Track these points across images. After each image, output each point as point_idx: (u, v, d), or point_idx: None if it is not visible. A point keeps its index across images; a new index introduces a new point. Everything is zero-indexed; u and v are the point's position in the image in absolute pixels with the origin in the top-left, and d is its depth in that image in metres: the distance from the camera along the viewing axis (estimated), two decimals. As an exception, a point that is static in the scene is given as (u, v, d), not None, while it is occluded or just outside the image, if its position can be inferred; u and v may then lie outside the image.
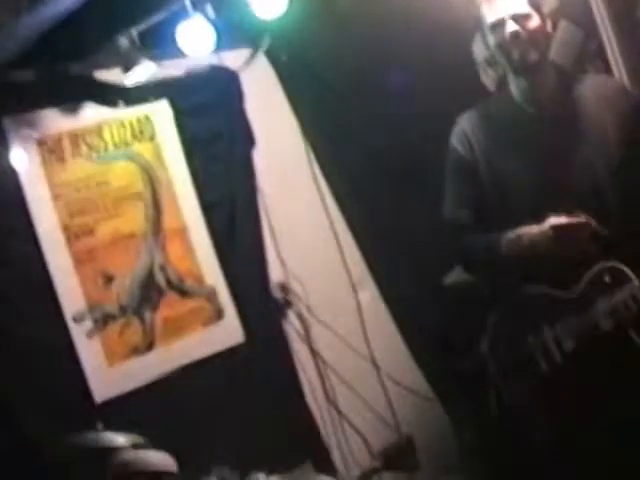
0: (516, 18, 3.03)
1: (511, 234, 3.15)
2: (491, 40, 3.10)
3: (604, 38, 4.51)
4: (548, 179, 3.09)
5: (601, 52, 4.52)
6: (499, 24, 3.05)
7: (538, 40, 3.06)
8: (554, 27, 3.24)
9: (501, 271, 3.27)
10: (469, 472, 4.14)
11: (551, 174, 3.09)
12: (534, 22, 3.04)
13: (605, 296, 3.01)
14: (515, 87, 3.17)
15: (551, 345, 3.13)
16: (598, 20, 4.53)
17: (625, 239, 3.03)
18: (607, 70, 4.46)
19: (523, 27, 3.02)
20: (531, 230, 3.08)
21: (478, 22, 3.17)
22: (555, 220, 3.02)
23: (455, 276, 4.29)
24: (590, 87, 3.17)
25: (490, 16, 3.08)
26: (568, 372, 3.12)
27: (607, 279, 3.02)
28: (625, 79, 3.94)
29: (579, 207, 3.03)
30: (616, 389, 3.02)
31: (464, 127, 3.29)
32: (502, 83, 3.34)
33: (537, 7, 3.07)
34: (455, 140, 3.29)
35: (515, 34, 3.01)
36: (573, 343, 3.08)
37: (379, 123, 4.44)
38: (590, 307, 3.03)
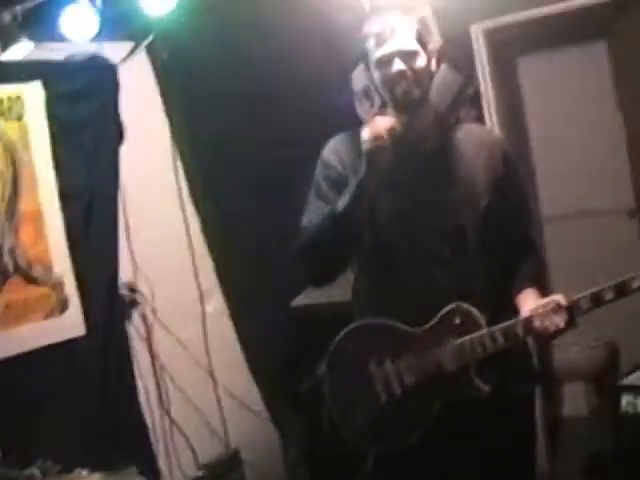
0: (403, 56, 3.02)
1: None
2: (376, 75, 3.08)
3: (481, 85, 4.66)
4: (415, 212, 3.11)
5: (476, 99, 4.67)
6: (386, 60, 3.05)
7: (422, 78, 3.06)
8: (437, 65, 3.26)
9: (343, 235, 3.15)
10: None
11: (419, 208, 3.11)
12: (420, 61, 3.04)
13: (453, 336, 3.04)
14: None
15: (392, 377, 3.17)
16: (478, 67, 4.68)
17: (479, 281, 3.10)
18: (479, 117, 4.61)
19: (409, 65, 3.02)
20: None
21: (362, 53, 3.12)
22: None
23: (304, 298, 4.33)
24: (465, 131, 3.24)
25: (377, 51, 3.05)
26: (406, 405, 3.18)
27: (457, 320, 3.06)
28: (496, 128, 4.06)
29: (440, 241, 3.08)
30: (451, 426, 3.09)
31: (337, 145, 3.28)
32: (377, 115, 3.35)
33: (424, 45, 3.07)
34: (327, 152, 3.27)
35: (401, 73, 3.01)
36: (414, 378, 3.10)
37: (250, 133, 4.46)
38: (436, 345, 3.06)
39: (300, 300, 4.45)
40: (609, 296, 2.93)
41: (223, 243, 4.60)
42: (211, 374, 4.53)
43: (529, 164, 5.60)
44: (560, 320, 2.96)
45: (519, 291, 3.09)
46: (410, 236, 3.10)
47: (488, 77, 4.78)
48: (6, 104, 3.83)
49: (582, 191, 6.01)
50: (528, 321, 2.99)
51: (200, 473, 4.13)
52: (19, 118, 3.87)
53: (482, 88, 4.71)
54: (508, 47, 5.34)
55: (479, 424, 3.14)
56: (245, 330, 4.67)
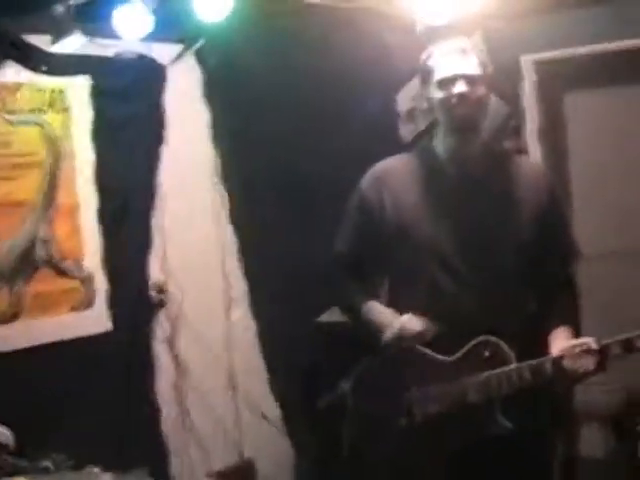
0: (467, 79, 3.03)
1: (369, 314, 3.23)
2: (436, 94, 3.08)
3: (527, 117, 4.63)
4: (454, 239, 3.10)
5: (519, 131, 4.64)
6: (448, 81, 3.05)
7: (482, 104, 3.09)
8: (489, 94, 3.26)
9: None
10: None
11: (458, 235, 3.10)
12: (481, 87, 3.06)
13: (480, 369, 3.03)
14: (442, 144, 3.16)
15: (415, 404, 3.15)
16: (525, 98, 4.66)
17: (512, 316, 3.08)
18: (522, 149, 4.58)
19: (472, 89, 3.03)
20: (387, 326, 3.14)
21: (424, 72, 3.13)
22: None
23: (332, 315, 4.31)
24: (514, 162, 3.22)
25: (440, 71, 3.06)
26: (426, 433, 3.15)
27: (486, 353, 3.04)
28: (539, 162, 4.02)
29: (477, 271, 3.06)
30: (471, 461, 3.06)
31: (377, 173, 3.28)
32: (420, 137, 3.34)
33: (485, 72, 3.09)
34: (366, 183, 3.28)
35: (464, 95, 3.02)
36: (437, 407, 3.09)
37: (292, 147, 4.46)
38: (463, 376, 3.04)
39: (326, 316, 4.44)
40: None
41: (255, 254, 4.59)
42: (232, 382, 4.52)
43: (568, 201, 5.56)
44: (590, 363, 2.94)
45: (552, 329, 3.08)
46: (446, 262, 3.10)
47: (534, 109, 4.76)
48: (53, 96, 3.86)
49: (618, 231, 5.97)
50: (558, 360, 2.96)
51: (212, 480, 4.12)
52: (64, 110, 3.90)
53: (528, 120, 4.69)
54: (556, 81, 5.30)
55: (497, 458, 3.12)
56: (269, 341, 4.66)
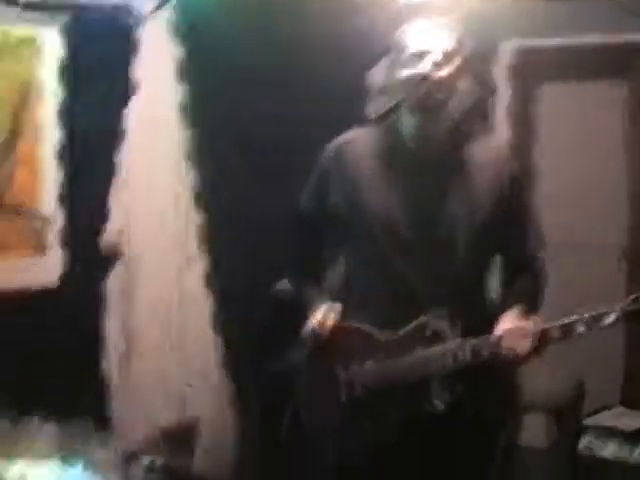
0: (435, 57, 3.01)
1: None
2: (402, 72, 3.05)
3: (498, 102, 4.65)
4: (406, 218, 3.09)
5: (490, 116, 4.66)
6: (416, 58, 3.03)
7: (448, 84, 3.05)
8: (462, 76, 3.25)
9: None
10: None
11: (411, 214, 3.09)
12: (451, 66, 3.03)
13: (421, 348, 3.03)
14: (406, 121, 3.15)
15: (356, 379, 3.15)
16: (499, 84, 4.67)
17: (460, 296, 3.07)
18: (489, 134, 4.59)
19: (439, 68, 3.01)
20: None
21: (396, 48, 3.11)
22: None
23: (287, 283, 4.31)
24: (478, 145, 3.21)
25: (410, 48, 3.05)
26: (365, 409, 3.16)
27: (428, 332, 3.04)
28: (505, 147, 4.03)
29: (427, 250, 3.06)
30: (411, 440, 3.09)
31: (339, 143, 3.27)
32: (386, 114, 3.32)
33: (459, 51, 3.06)
34: (327, 153, 3.27)
35: (430, 72, 3.00)
36: (377, 384, 3.11)
37: (260, 115, 4.45)
38: (403, 355, 3.05)
39: (284, 284, 4.43)
40: (580, 329, 2.91)
41: (214, 213, 4.56)
42: (181, 340, 4.50)
43: (533, 186, 5.60)
44: (526, 345, 2.95)
45: (504, 310, 3.08)
46: (398, 238, 3.09)
47: (507, 95, 4.77)
48: (27, 35, 3.80)
49: (575, 223, 6.02)
50: (496, 341, 2.97)
51: (155, 436, 4.10)
52: (38, 51, 3.85)
53: (498, 105, 4.71)
54: (532, 70, 5.33)
55: (443, 441, 3.14)
56: (223, 303, 4.64)
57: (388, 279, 3.10)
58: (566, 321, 2.94)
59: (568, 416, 5.95)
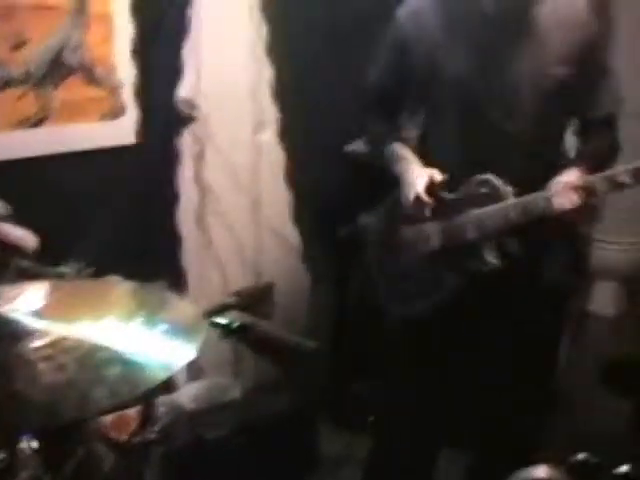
0: None
1: (392, 159, 3.27)
2: None
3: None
4: (477, 75, 3.07)
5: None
6: None
7: None
8: None
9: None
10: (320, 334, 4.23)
11: (482, 71, 3.07)
12: None
13: (477, 206, 3.10)
14: None
15: (421, 239, 3.24)
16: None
17: (524, 156, 3.09)
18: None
19: None
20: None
21: None
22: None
23: (360, 144, 4.28)
24: (557, 4, 3.12)
25: None
26: (427, 270, 3.23)
27: (483, 190, 3.08)
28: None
29: (495, 109, 3.05)
30: (476, 302, 3.15)
31: (414, 5, 3.23)
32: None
33: None
34: (403, 13, 3.24)
35: None
36: (438, 243, 3.20)
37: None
38: (461, 213, 3.13)
39: (355, 146, 4.41)
40: (625, 179, 2.88)
41: (289, 78, 4.50)
42: (255, 206, 4.51)
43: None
44: (574, 198, 2.92)
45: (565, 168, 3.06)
46: (472, 99, 3.08)
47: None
48: None
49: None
50: (547, 198, 2.97)
51: (228, 300, 4.14)
52: None
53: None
54: None
55: (509, 306, 3.16)
56: (296, 167, 4.63)
57: (461, 137, 3.14)
58: (610, 172, 2.93)
59: (637, 284, 5.93)
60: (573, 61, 3.05)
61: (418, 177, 3.14)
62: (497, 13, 3.04)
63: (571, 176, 2.98)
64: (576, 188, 2.93)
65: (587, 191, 2.93)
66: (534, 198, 3.00)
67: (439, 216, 3.17)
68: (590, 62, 3.08)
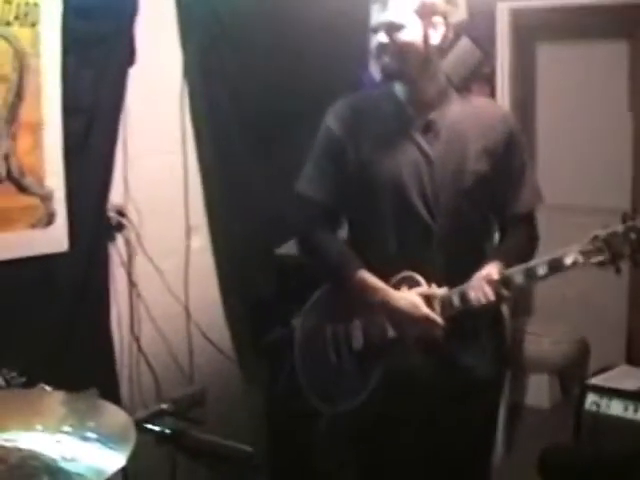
0: (389, 28, 3.07)
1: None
2: (373, 40, 3.17)
3: (498, 64, 4.63)
4: (399, 177, 3.17)
5: (492, 78, 4.64)
6: (375, 30, 3.13)
7: (405, 53, 3.09)
8: (455, 39, 3.26)
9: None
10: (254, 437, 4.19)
11: (404, 173, 3.16)
12: (407, 35, 3.07)
13: None
14: (398, 87, 3.22)
15: (342, 341, 3.31)
16: (498, 46, 4.65)
17: (442, 250, 3.17)
18: (491, 96, 4.59)
19: (394, 38, 3.07)
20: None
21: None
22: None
23: (290, 247, 4.32)
24: (469, 102, 3.25)
25: (372, 20, 3.15)
26: (353, 369, 3.27)
27: (405, 288, 3.14)
28: (506, 107, 4.04)
29: (416, 206, 3.14)
30: (407, 398, 3.17)
31: (342, 110, 3.29)
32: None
33: (425, 17, 3.08)
34: (331, 119, 3.29)
35: (382, 45, 3.10)
36: (361, 343, 3.25)
37: (264, 81, 4.46)
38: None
39: (285, 249, 4.45)
40: (542, 271, 2.94)
41: (217, 183, 4.57)
42: (186, 309, 4.52)
43: (531, 150, 5.60)
44: (489, 292, 2.98)
45: (486, 263, 3.12)
46: (402, 198, 3.16)
47: (507, 57, 4.76)
48: (23, 9, 3.76)
49: (576, 186, 6.02)
50: (464, 292, 3.02)
51: (163, 406, 4.12)
52: (33, 25, 3.78)
53: (499, 67, 4.69)
54: (531, 31, 5.31)
55: (442, 400, 3.17)
56: (226, 271, 4.66)
57: (392, 233, 3.20)
58: (527, 265, 2.99)
59: (572, 376, 5.99)
60: (491, 158, 3.14)
61: (412, 299, 3.13)
62: (418, 116, 3.16)
63: (490, 270, 3.04)
64: (491, 282, 2.98)
65: (505, 284, 2.99)
66: (450, 294, 3.07)
67: (362, 315, 3.21)
68: (508, 158, 3.18)
